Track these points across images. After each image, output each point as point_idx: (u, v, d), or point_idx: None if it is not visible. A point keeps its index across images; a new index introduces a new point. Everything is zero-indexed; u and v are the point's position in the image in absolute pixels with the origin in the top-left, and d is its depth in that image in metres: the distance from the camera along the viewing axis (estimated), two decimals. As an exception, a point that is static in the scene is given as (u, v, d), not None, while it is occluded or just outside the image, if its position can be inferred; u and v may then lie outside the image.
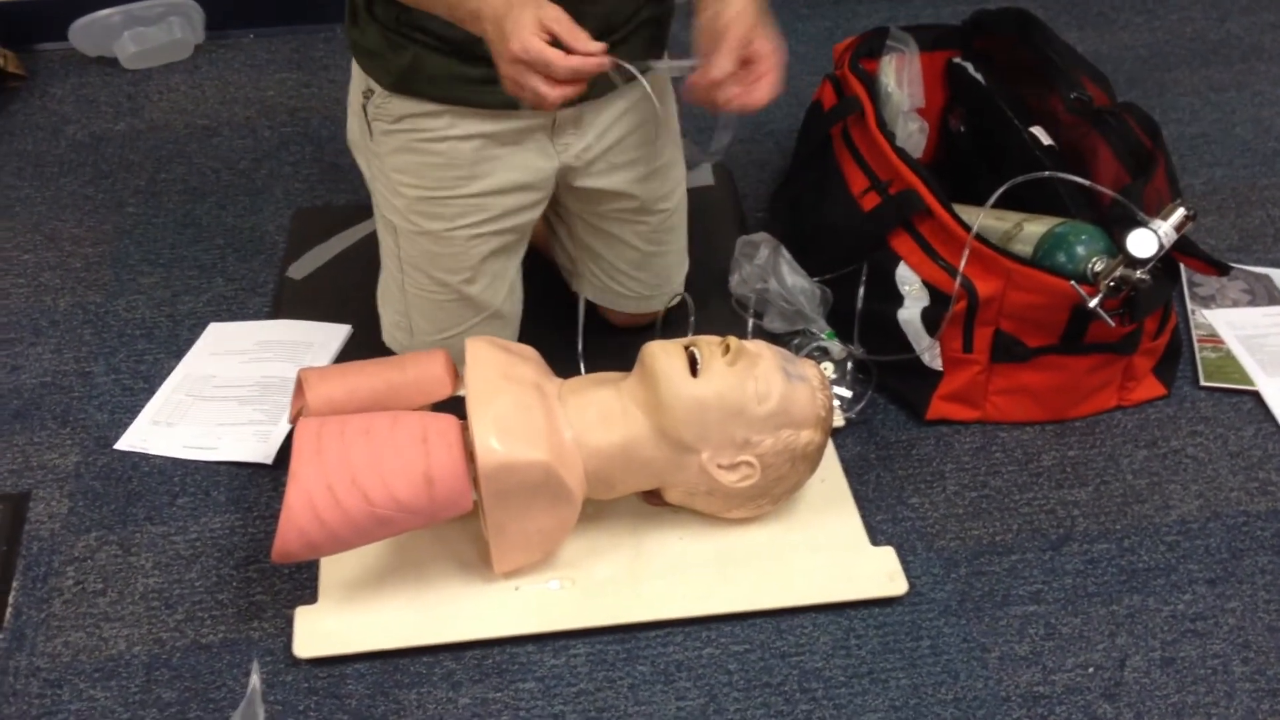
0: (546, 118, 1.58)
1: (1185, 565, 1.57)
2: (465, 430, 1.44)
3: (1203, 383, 1.82)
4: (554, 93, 1.33)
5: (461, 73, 1.51)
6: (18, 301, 1.97)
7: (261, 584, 1.54)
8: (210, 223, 2.15)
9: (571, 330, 1.78)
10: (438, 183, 1.59)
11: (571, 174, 1.67)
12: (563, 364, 1.63)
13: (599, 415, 1.47)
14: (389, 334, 1.79)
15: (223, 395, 1.79)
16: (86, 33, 2.54)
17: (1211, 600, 1.53)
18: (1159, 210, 1.61)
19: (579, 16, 1.35)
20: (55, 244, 2.10)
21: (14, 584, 1.54)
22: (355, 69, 1.62)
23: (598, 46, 1.33)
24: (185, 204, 2.20)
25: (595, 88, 1.55)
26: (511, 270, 1.71)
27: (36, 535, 1.60)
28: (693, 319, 1.84)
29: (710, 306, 1.91)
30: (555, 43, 1.32)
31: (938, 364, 1.72)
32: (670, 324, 1.87)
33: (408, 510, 1.38)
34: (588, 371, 1.69)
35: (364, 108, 1.61)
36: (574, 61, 1.31)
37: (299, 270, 2.03)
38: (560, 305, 1.86)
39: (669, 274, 1.84)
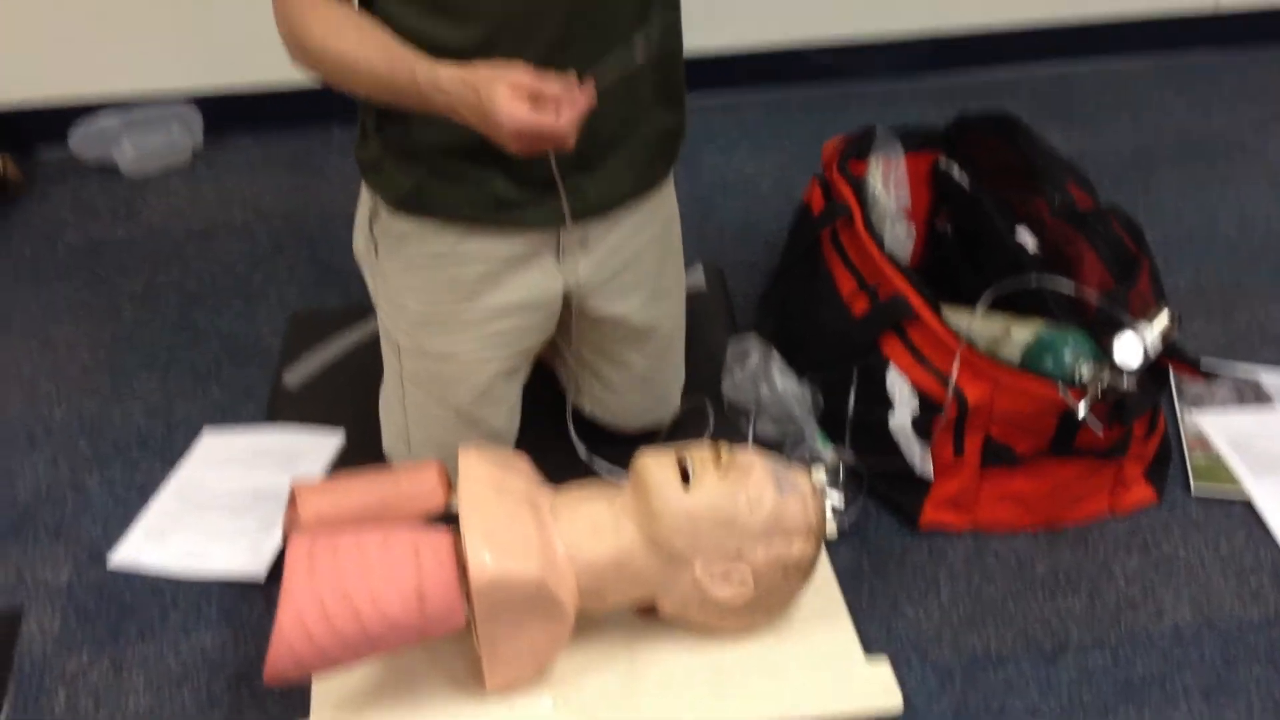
0: (552, 237, 1.60)
1: (1180, 675, 1.57)
2: (457, 544, 1.44)
3: (1193, 486, 1.82)
4: (569, 140, 1.33)
5: (467, 194, 1.53)
6: (13, 410, 1.98)
7: (253, 703, 1.53)
8: (206, 327, 2.17)
9: (565, 439, 1.79)
10: (442, 303, 1.60)
11: (578, 296, 1.68)
12: (556, 467, 1.63)
13: (591, 527, 1.47)
14: (389, 444, 1.79)
15: (216, 505, 1.79)
16: (86, 139, 2.58)
17: (1207, 713, 1.52)
18: (1144, 314, 1.62)
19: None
20: (52, 351, 2.11)
21: (5, 705, 1.53)
22: (363, 186, 1.64)
23: (569, 83, 1.32)
24: (181, 308, 2.21)
25: (604, 200, 1.57)
26: (515, 393, 1.72)
27: (29, 653, 1.60)
28: (712, 419, 1.85)
29: (713, 416, 1.92)
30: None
31: (929, 470, 1.73)
32: (682, 428, 1.89)
33: (400, 627, 1.38)
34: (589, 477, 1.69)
35: (370, 225, 1.62)
36: (567, 118, 1.30)
37: (294, 376, 2.04)
38: (555, 412, 1.87)
39: (667, 390, 1.86)
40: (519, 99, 1.30)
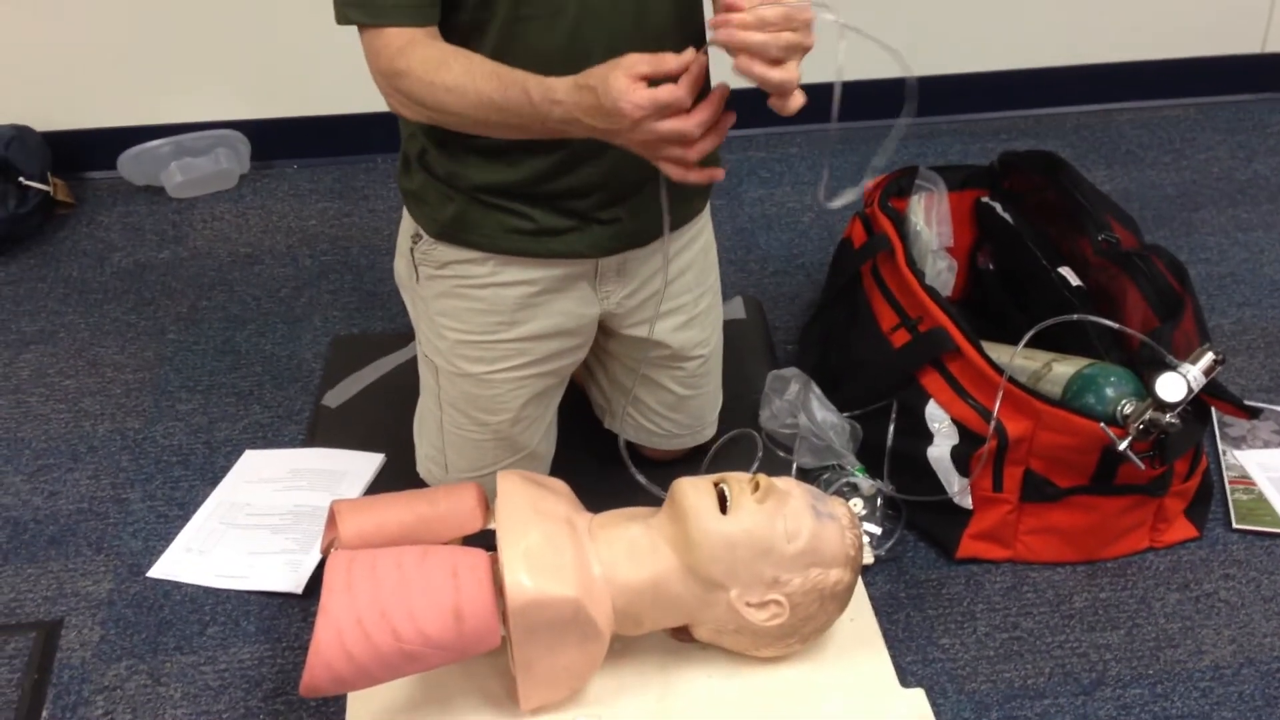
0: (589, 265, 1.61)
1: (1219, 713, 1.55)
2: (495, 564, 1.45)
3: (1235, 525, 1.81)
4: (693, 153, 1.28)
5: (507, 224, 1.55)
6: (58, 427, 2.01)
7: (289, 717, 1.54)
8: (249, 350, 2.19)
9: (603, 461, 1.79)
10: (480, 327, 1.62)
11: (613, 320, 1.69)
12: (593, 494, 1.63)
13: (628, 551, 1.47)
14: (423, 466, 1.80)
15: (255, 524, 1.81)
16: (135, 163, 2.61)
17: (1247, 750, 1.51)
18: (1188, 353, 1.61)
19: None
20: (97, 370, 2.14)
21: (44, 713, 1.55)
22: (405, 212, 1.66)
23: (685, 59, 1.26)
24: (225, 331, 2.24)
25: (644, 231, 1.58)
26: (550, 413, 1.74)
27: (68, 664, 1.61)
28: (760, 455, 1.86)
29: (741, 441, 1.92)
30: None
31: (968, 502, 1.72)
32: (721, 458, 1.89)
33: (436, 646, 1.38)
34: (626, 504, 1.69)
35: (411, 251, 1.64)
36: (685, 85, 1.25)
37: (334, 398, 2.05)
38: (592, 436, 1.88)
39: (703, 414, 1.86)
40: (638, 84, 1.24)
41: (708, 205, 1.74)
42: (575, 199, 1.53)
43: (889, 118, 2.87)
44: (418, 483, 1.80)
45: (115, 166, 2.63)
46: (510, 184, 1.52)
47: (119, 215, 2.57)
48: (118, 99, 2.63)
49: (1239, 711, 1.55)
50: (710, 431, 1.90)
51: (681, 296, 1.72)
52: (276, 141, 2.71)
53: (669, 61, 1.25)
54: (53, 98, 2.61)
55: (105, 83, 2.61)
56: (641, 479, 1.73)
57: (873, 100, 2.86)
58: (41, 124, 2.61)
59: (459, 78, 1.36)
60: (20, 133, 2.52)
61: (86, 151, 2.67)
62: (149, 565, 1.75)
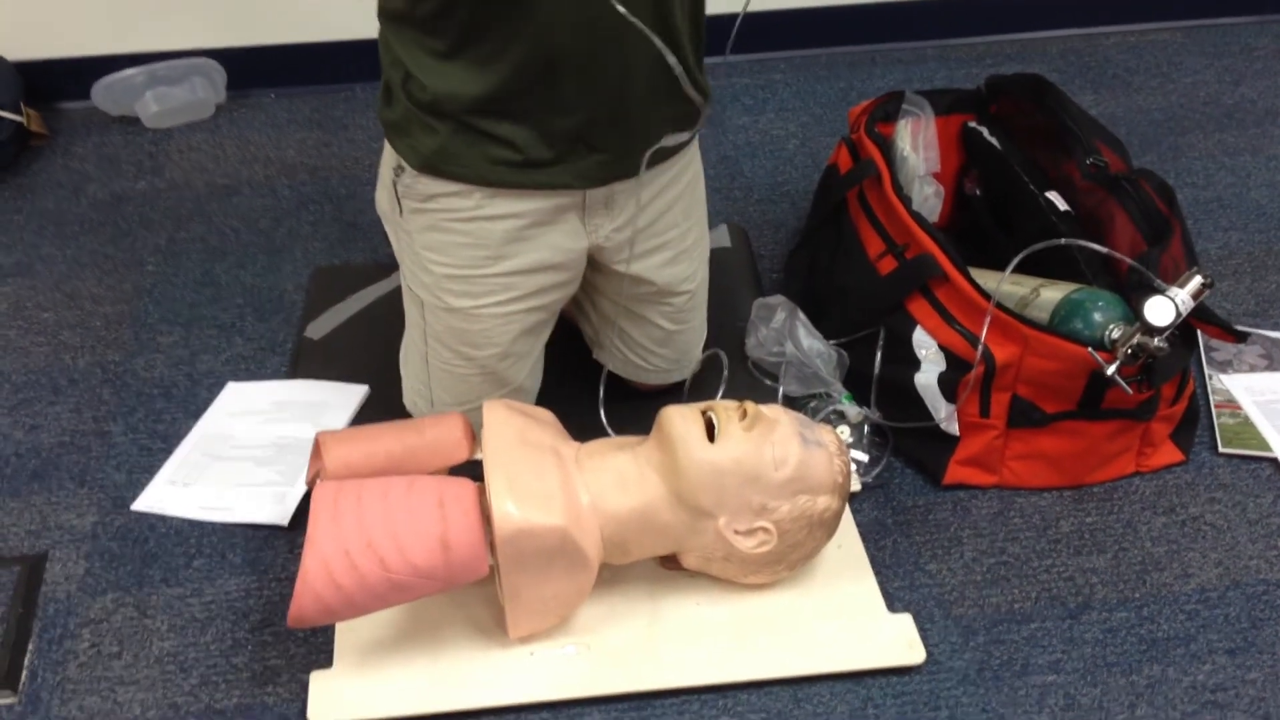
0: (578, 198, 1.58)
1: (1205, 635, 1.56)
2: (482, 494, 1.44)
3: (1221, 449, 1.81)
4: None
5: (492, 155, 1.51)
6: (38, 360, 1.98)
7: (276, 648, 1.54)
8: (229, 282, 2.16)
9: (591, 393, 1.79)
10: (466, 261, 1.59)
11: (601, 254, 1.67)
12: (581, 426, 1.63)
13: (616, 480, 1.47)
14: (409, 399, 1.79)
15: (240, 456, 1.79)
16: (109, 92, 2.57)
17: (1232, 670, 1.52)
18: (1176, 278, 1.61)
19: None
20: (75, 303, 2.11)
21: (30, 647, 1.54)
22: (387, 144, 1.63)
23: None
24: (205, 263, 2.21)
25: (633, 163, 1.56)
26: (538, 347, 1.71)
27: (53, 597, 1.60)
28: (726, 372, 1.85)
29: (727, 369, 1.91)
30: None
31: (955, 429, 1.72)
32: (698, 387, 1.88)
33: (424, 576, 1.38)
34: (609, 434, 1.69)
35: (394, 184, 1.61)
36: None
37: (317, 330, 2.03)
38: (580, 368, 1.87)
39: (690, 349, 1.85)
40: None
41: (696, 138, 1.71)
42: (560, 117, 1.49)
43: (871, 43, 2.86)
44: (402, 414, 1.79)
45: (89, 96, 2.58)
46: (490, 95, 1.46)
47: (94, 146, 2.54)
48: (91, 26, 2.58)
49: (1225, 634, 1.56)
50: (696, 365, 1.89)
51: (668, 232, 1.70)
52: (253, 70, 2.67)
53: None
54: (24, 26, 2.56)
55: (78, 10, 2.56)
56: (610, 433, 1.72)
57: (856, 25, 2.84)
58: (13, 53, 2.56)
59: None
60: (-9, 62, 2.48)
61: (60, 81, 2.62)
62: (133, 498, 1.74)
